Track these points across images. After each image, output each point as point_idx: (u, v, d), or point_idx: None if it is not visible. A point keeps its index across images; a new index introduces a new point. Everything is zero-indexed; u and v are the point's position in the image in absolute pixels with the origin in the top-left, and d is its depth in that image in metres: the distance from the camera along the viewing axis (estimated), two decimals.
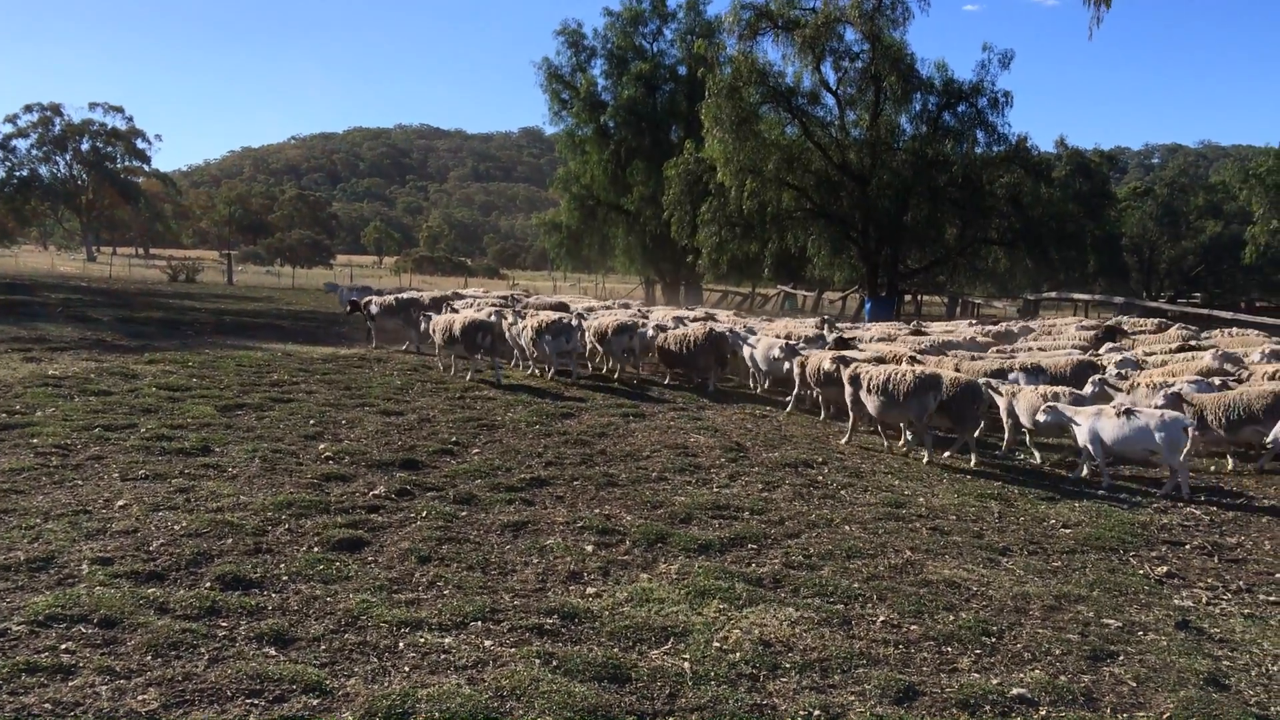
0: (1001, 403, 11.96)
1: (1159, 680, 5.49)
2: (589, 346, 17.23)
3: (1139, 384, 12.20)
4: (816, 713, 4.91)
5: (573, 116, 48.48)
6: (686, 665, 5.37)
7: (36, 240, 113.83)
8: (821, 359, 13.45)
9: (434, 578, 6.56)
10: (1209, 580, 7.53)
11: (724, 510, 8.60)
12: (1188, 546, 8.40)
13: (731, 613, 6.15)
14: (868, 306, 35.15)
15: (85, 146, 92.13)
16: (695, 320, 19.01)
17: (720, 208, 35.85)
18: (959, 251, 37.32)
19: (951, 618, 6.28)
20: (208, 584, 6.20)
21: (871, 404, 11.69)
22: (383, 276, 69.02)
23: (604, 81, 48.39)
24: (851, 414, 12.37)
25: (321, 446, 10.27)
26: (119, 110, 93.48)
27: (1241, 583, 7.49)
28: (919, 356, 14.28)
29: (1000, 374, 13.38)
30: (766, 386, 16.33)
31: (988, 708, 5.07)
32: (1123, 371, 13.33)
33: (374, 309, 20.41)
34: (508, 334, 17.35)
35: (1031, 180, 35.95)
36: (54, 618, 5.50)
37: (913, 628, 6.09)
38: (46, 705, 4.58)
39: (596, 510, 8.45)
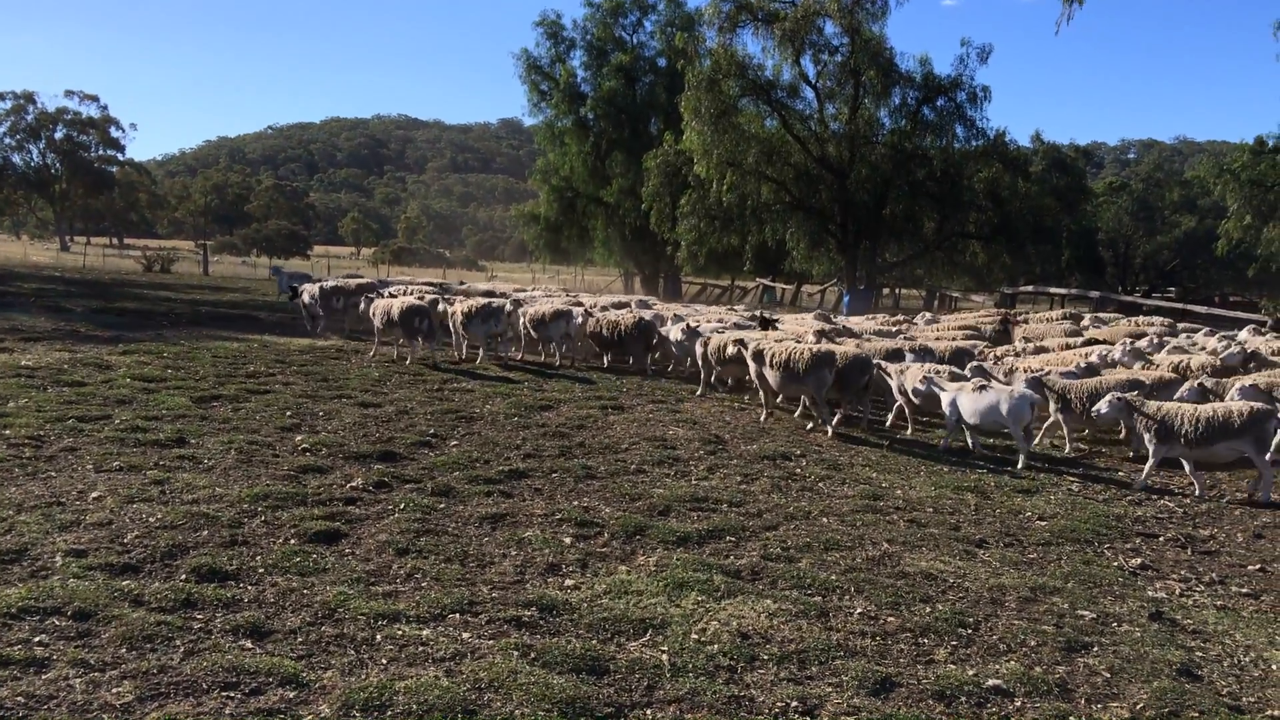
0: (893, 382, 12.86)
1: (1133, 671, 5.54)
2: (526, 333, 17.75)
3: (1017, 369, 13.17)
4: (794, 704, 4.93)
5: (552, 108, 48.33)
6: (664, 657, 5.38)
7: (9, 230, 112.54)
8: (722, 340, 14.44)
9: (412, 570, 6.55)
10: (1182, 572, 7.61)
11: (702, 503, 8.61)
12: (1161, 539, 8.48)
13: (709, 604, 6.16)
14: (846, 299, 35.25)
15: (59, 135, 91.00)
16: (626, 307, 20.02)
17: (700, 200, 35.86)
18: (937, 245, 37.46)
19: (928, 609, 6.32)
20: (183, 576, 6.17)
21: (773, 379, 12.68)
22: (360, 268, 68.62)
23: (583, 73, 48.29)
24: (761, 390, 13.28)
25: (298, 438, 10.21)
26: (94, 99, 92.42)
27: (1214, 575, 7.57)
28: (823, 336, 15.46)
29: (897, 355, 14.44)
30: (687, 366, 16.61)
31: (963, 699, 5.10)
32: (1000, 357, 14.69)
33: (305, 297, 21.20)
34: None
35: (1009, 175, 36.13)
36: (27, 610, 5.45)
37: (890, 619, 6.13)
38: (19, 699, 4.54)
39: (575, 502, 8.45)
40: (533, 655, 5.29)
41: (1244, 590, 7.24)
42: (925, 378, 12.09)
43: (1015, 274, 41.14)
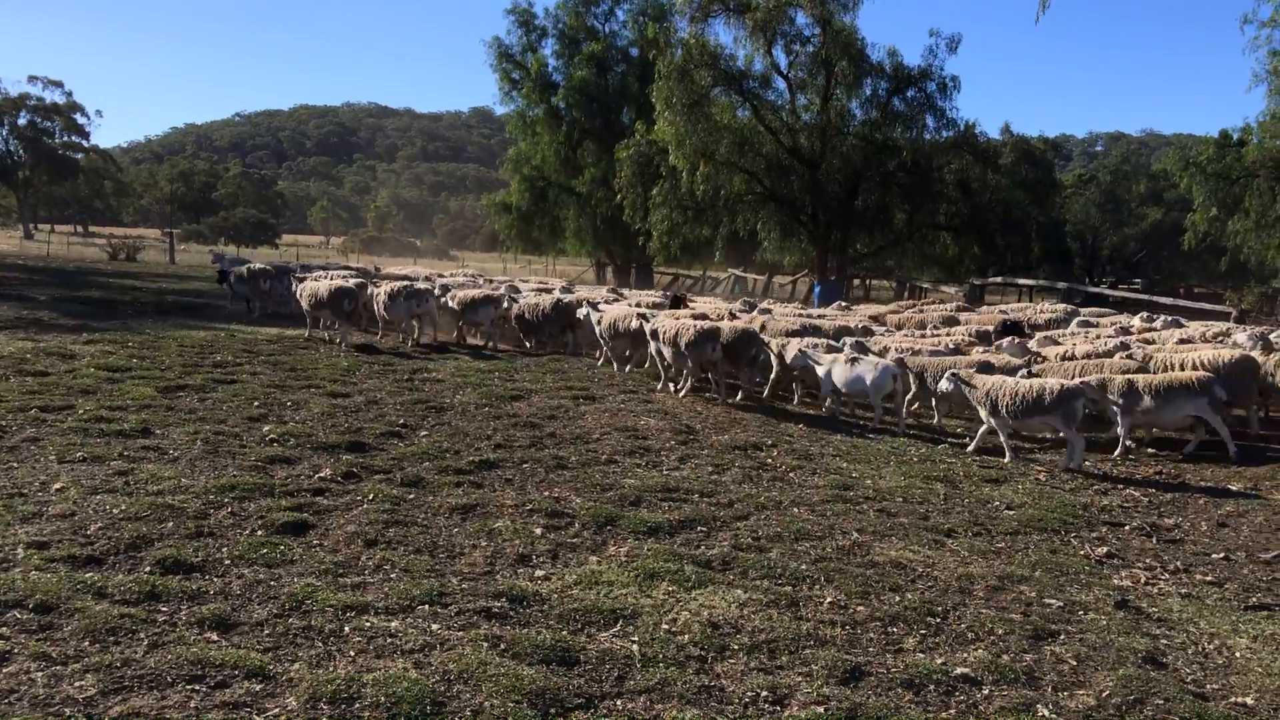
0: (774, 356, 14.05)
1: (1099, 659, 5.59)
2: (459, 317, 18.44)
3: (889, 348, 14.23)
4: (764, 693, 4.93)
5: (523, 97, 48.08)
6: (635, 647, 5.37)
7: None
8: (614, 316, 15.72)
9: (380, 561, 6.50)
10: (1147, 560, 7.69)
11: (674, 493, 8.61)
12: (1127, 528, 8.57)
13: (680, 595, 6.16)
14: (817, 290, 35.37)
15: (22, 121, 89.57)
16: (550, 292, 20.66)
17: (672, 190, 35.84)
18: (908, 236, 37.65)
19: (897, 598, 6.35)
20: (147, 568, 6.08)
21: (668, 353, 13.80)
22: (330, 256, 68.11)
23: (555, 62, 48.08)
24: (659, 365, 14.37)
25: (266, 428, 10.11)
26: (58, 84, 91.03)
27: (1179, 563, 7.66)
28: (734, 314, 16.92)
29: (796, 334, 15.42)
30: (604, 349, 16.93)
31: (932, 687, 5.13)
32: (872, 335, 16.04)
33: (232, 278, 22.21)
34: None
35: (979, 166, 36.36)
36: None
37: (859, 609, 6.15)
38: None
39: (546, 493, 8.42)
40: (503, 646, 5.27)
41: (1208, 578, 7.32)
42: (800, 350, 13.38)
43: (985, 265, 41.45)
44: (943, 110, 35.40)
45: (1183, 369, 12.03)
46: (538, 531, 7.33)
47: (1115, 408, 11.37)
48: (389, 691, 4.66)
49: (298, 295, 17.93)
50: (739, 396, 13.84)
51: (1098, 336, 15.89)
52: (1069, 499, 9.38)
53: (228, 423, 10.28)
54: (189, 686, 4.67)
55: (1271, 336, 14.53)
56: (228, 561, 6.30)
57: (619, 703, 4.81)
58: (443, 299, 18.34)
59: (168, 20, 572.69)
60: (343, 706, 4.56)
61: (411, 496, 8.06)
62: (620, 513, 7.87)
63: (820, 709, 4.79)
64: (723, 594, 6.20)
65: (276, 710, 4.52)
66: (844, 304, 24.14)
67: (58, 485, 7.61)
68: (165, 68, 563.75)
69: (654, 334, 14.01)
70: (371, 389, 12.86)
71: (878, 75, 35.37)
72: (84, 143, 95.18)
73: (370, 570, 6.35)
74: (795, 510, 8.39)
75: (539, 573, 6.50)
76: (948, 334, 16.36)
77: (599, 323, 16.10)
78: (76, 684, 4.62)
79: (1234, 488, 10.17)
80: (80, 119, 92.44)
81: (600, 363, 16.58)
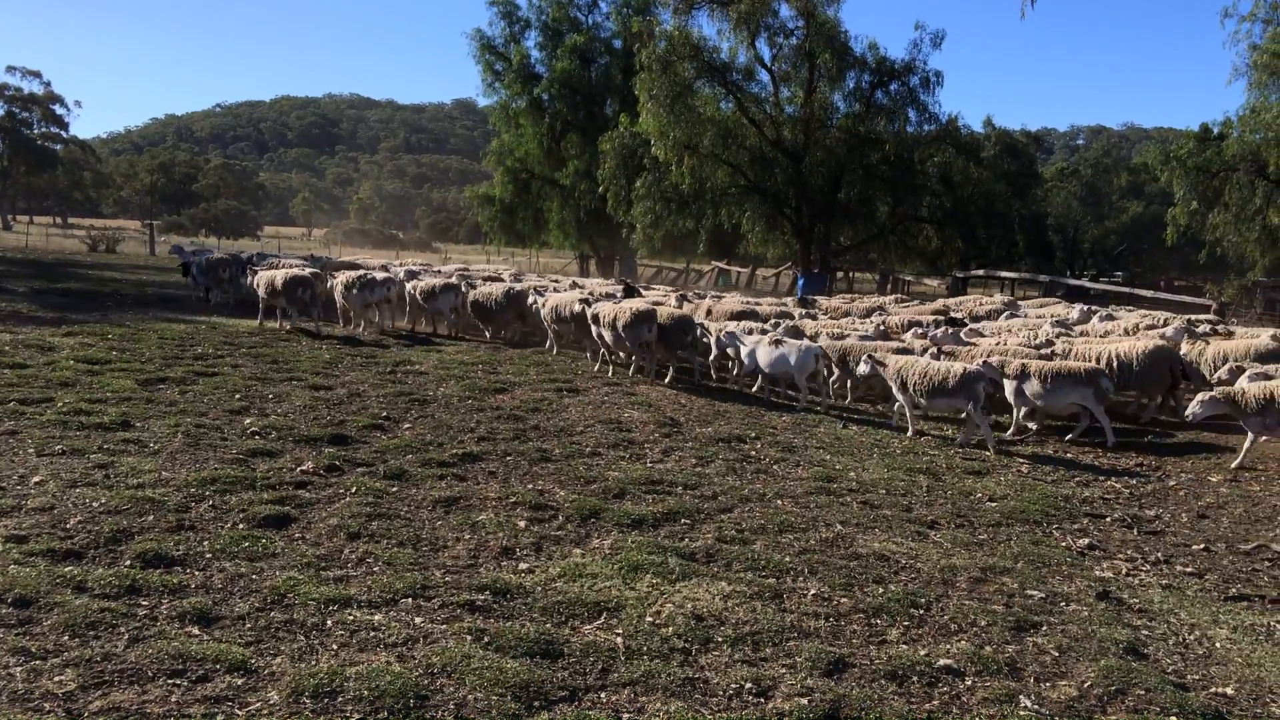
0: (713, 340, 14.71)
1: (1080, 650, 5.62)
2: (416, 304, 18.98)
3: (820, 332, 14.82)
4: (748, 685, 4.94)
5: (506, 89, 47.79)
6: (619, 640, 5.36)
7: None
8: (558, 301, 16.50)
9: (363, 554, 6.47)
10: (1128, 552, 7.74)
11: (657, 485, 8.60)
12: (1108, 519, 8.61)
13: (664, 587, 6.15)
14: (800, 283, 35.41)
15: (0, 112, 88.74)
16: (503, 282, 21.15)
17: (655, 183, 35.74)
18: (890, 229, 37.70)
19: (881, 590, 6.36)
20: (128, 562, 6.04)
21: (607, 336, 14.57)
22: (312, 248, 67.67)
23: (538, 54, 47.79)
24: (601, 348, 15.22)
25: (247, 421, 10.05)
26: (36, 75, 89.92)
27: (1159, 554, 7.71)
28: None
29: (739, 317, 16.36)
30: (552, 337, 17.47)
31: (915, 679, 5.14)
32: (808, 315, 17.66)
33: (194, 269, 22.94)
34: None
35: (962, 159, 36.42)
36: None
37: (843, 600, 6.16)
38: None
39: (529, 486, 8.40)
40: (486, 639, 5.25)
41: (1188, 569, 7.37)
42: (727, 332, 14.16)
43: (967, 258, 41.54)
44: (925, 104, 35.48)
45: (1099, 360, 12.52)
46: (521, 524, 7.31)
47: (1009, 391, 11.88)
48: (372, 685, 4.64)
49: (254, 285, 18.36)
50: (668, 379, 14.58)
51: (1027, 328, 16.32)
52: (1051, 491, 9.43)
53: (209, 415, 10.22)
54: (170, 681, 4.64)
55: (1200, 329, 15.22)
56: (209, 555, 6.26)
57: (603, 695, 4.80)
58: (407, 288, 18.93)
59: (147, 10, 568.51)
60: (325, 700, 4.54)
61: (394, 489, 8.02)
62: (604, 505, 7.86)
63: (804, 701, 4.79)
64: (707, 586, 6.20)
65: (258, 704, 4.49)
66: (817, 298, 24.28)
67: (37, 478, 7.54)
68: (145, 58, 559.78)
69: (594, 318, 14.85)
70: (354, 381, 12.80)
71: (861, 68, 35.37)
72: (63, 133, 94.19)
73: (353, 563, 6.32)
74: (779, 502, 8.40)
75: (523, 565, 6.49)
76: (878, 320, 16.98)
77: (543, 308, 16.75)
78: (56, 679, 4.58)
79: (1214, 479, 10.25)
80: (59, 109, 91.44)
81: (549, 347, 17.22)
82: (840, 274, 47.70)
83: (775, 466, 9.77)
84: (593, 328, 14.97)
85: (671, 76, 33.92)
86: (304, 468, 8.41)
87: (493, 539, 6.95)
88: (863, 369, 12.24)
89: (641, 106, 34.89)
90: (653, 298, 18.49)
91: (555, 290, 19.18)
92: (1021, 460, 10.81)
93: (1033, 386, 11.61)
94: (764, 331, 14.25)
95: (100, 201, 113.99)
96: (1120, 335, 15.11)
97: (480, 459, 9.22)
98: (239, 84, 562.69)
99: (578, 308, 15.59)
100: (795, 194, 35.94)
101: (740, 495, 8.50)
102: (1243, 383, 10.94)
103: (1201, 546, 7.96)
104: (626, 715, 4.64)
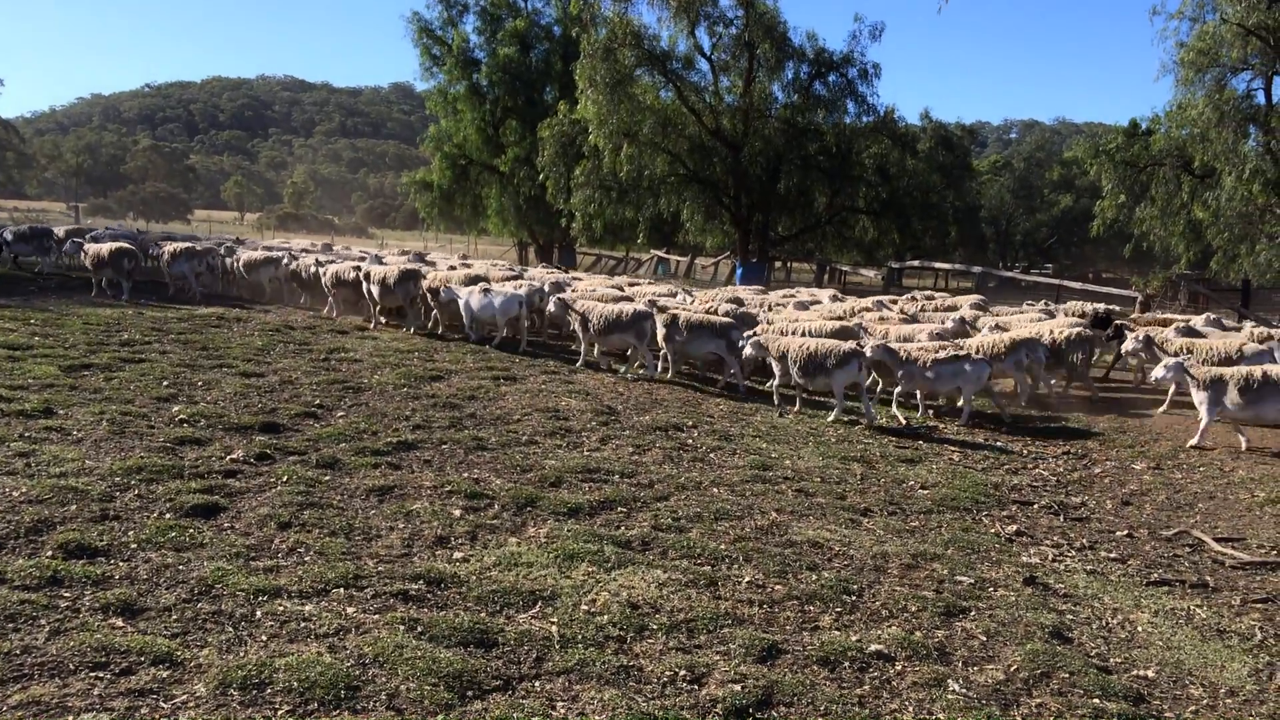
0: (461, 302, 16.30)
1: (1007, 634, 5.73)
2: (240, 276, 21.16)
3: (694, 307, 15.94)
4: (683, 672, 4.96)
5: (445, 74, 47.24)
6: (554, 628, 5.35)
7: None
8: (337, 269, 18.22)
9: (294, 544, 6.37)
10: (1055, 538, 7.91)
11: (594, 474, 8.60)
12: (1036, 506, 8.80)
13: (600, 575, 6.15)
14: (739, 272, 35.59)
15: None
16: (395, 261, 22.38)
17: (594, 170, 35.62)
18: (828, 219, 38.04)
19: (814, 577, 6.43)
20: (49, 553, 5.88)
21: (375, 292, 16.91)
22: (245, 233, 66.42)
23: (477, 39, 47.26)
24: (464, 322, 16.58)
25: (175, 409, 9.83)
26: None
27: (1085, 540, 7.89)
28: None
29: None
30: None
31: (847, 664, 5.21)
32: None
33: (7, 236, 23.72)
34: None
35: (898, 151, 36.83)
36: None
37: (777, 587, 6.21)
38: None
39: (465, 474, 8.34)
40: (419, 629, 5.21)
41: (1112, 555, 7.56)
42: (446, 288, 16.24)
43: (903, 249, 42.09)
44: (864, 96, 35.82)
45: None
46: (456, 513, 7.25)
47: (665, 342, 13.92)
48: (302, 676, 4.58)
49: (82, 256, 20.17)
50: (441, 329, 17.02)
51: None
52: (981, 479, 9.60)
53: (135, 403, 9.98)
54: (93, 674, 4.53)
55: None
56: (134, 545, 6.11)
57: (537, 684, 4.79)
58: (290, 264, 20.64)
59: None
60: (254, 692, 4.47)
61: (327, 478, 7.91)
62: (540, 494, 7.84)
63: (737, 687, 4.83)
64: (642, 574, 6.21)
65: (185, 697, 4.41)
66: (762, 288, 24.29)
67: None
68: (70, 34, 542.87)
69: (366, 276, 17.21)
70: (286, 369, 12.59)
71: (800, 59, 35.58)
72: None
73: (284, 553, 6.22)
74: (715, 490, 8.44)
75: (457, 554, 6.44)
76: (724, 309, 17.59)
77: (325, 275, 18.61)
78: None
79: (1138, 467, 10.51)
80: None
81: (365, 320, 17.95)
82: (779, 264, 48.00)
83: (712, 455, 9.82)
84: (364, 285, 17.24)
85: (612, 64, 33.80)
86: (234, 456, 8.25)
87: (427, 528, 6.89)
88: (748, 349, 12.76)
89: (581, 93, 34.74)
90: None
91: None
92: (953, 449, 10.99)
93: (681, 335, 13.65)
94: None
95: (24, 183, 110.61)
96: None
97: (415, 447, 9.13)
98: (168, 63, 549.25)
99: (353, 274, 17.72)
100: (734, 183, 36.07)
101: (677, 483, 8.53)
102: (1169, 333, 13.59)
103: (1125, 533, 8.17)
104: (561, 704, 4.64)
